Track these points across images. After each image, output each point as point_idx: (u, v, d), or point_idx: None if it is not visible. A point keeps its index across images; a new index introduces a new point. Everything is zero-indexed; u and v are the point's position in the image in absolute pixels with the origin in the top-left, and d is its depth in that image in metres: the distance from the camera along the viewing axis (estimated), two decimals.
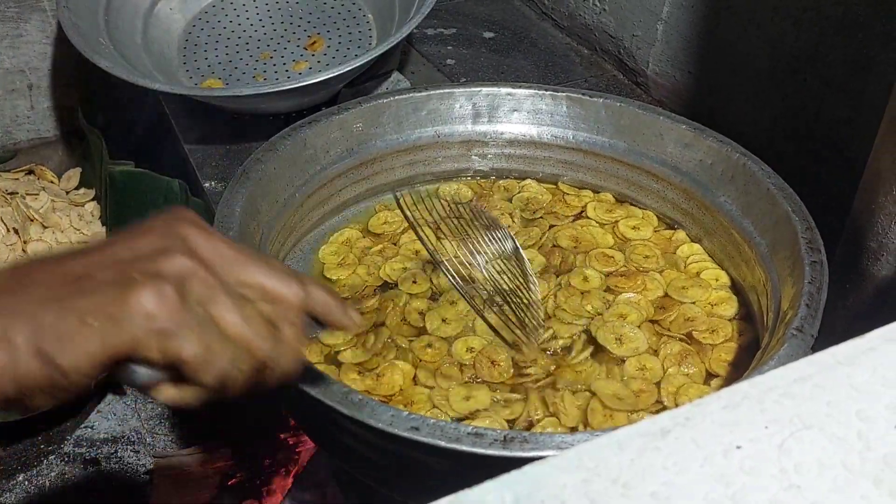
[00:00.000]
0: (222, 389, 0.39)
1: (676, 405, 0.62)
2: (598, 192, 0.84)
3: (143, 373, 0.37)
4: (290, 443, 0.80)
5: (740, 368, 0.65)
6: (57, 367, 0.34)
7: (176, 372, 0.38)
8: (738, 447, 0.34)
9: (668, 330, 0.69)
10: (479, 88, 0.84)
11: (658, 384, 0.64)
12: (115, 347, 0.35)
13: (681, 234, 0.79)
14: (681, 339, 0.68)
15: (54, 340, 0.34)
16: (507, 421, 0.61)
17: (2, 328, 0.34)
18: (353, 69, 0.93)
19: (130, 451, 0.99)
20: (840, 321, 0.67)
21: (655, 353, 0.67)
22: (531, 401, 0.62)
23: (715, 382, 0.65)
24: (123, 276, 0.36)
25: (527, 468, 0.34)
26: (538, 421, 0.61)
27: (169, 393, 0.39)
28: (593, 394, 0.63)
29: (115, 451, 1.00)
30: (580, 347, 0.67)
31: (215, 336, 0.37)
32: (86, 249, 0.38)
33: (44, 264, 0.37)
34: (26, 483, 0.98)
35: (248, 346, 0.38)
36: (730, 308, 0.71)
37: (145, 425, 1.02)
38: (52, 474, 0.98)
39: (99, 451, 1.01)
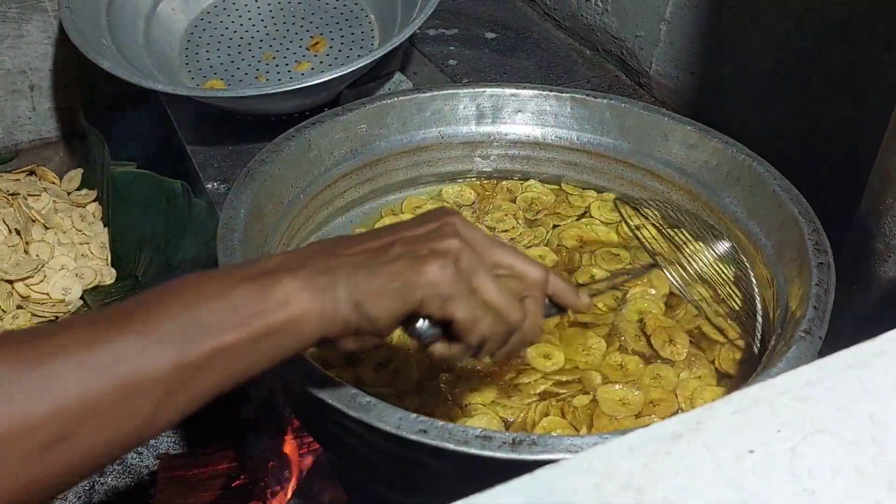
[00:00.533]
0: (480, 348, 0.47)
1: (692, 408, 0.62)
2: (602, 193, 0.84)
3: (425, 328, 0.46)
4: (295, 444, 0.80)
5: (748, 367, 0.65)
6: (367, 315, 0.43)
7: (447, 330, 0.46)
8: (751, 451, 0.34)
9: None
10: (482, 89, 0.84)
11: (675, 391, 0.64)
12: (409, 304, 0.44)
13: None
14: (689, 339, 0.68)
15: (366, 295, 0.43)
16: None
17: (330, 281, 0.43)
18: (355, 70, 0.93)
19: (134, 452, 0.99)
20: (847, 323, 0.67)
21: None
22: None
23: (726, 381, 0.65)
24: (413, 251, 0.45)
25: (538, 472, 0.34)
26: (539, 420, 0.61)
27: (441, 348, 0.47)
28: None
29: None
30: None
31: (479, 303, 0.46)
32: (379, 230, 0.48)
33: (350, 240, 0.47)
34: None
35: (502, 313, 0.46)
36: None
37: None
38: None
39: None
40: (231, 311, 0.40)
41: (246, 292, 0.41)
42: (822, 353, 0.56)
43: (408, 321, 0.46)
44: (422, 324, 0.46)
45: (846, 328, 0.67)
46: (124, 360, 0.38)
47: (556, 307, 0.52)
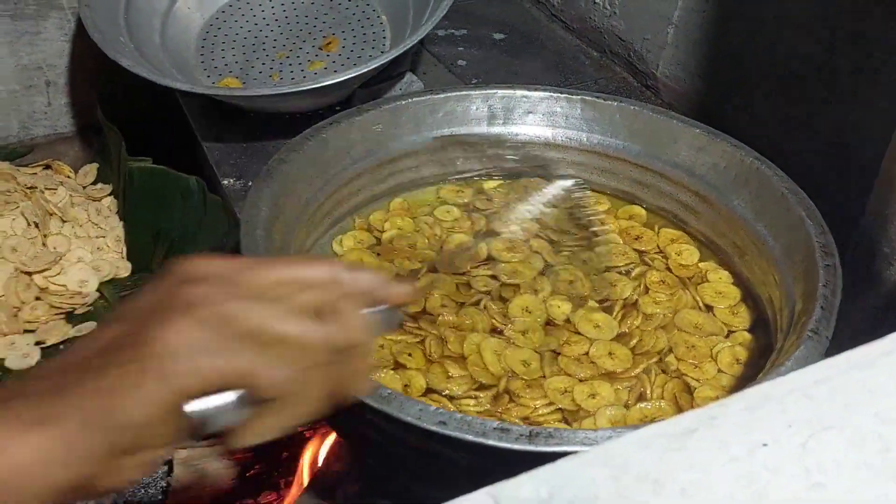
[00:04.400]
0: (309, 397, 0.37)
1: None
2: (610, 194, 0.86)
3: (216, 416, 0.34)
4: (310, 435, 0.81)
5: (752, 369, 0.67)
6: (117, 428, 0.32)
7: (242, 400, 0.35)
8: (764, 445, 0.35)
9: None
10: (494, 90, 0.85)
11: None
12: (175, 387, 0.33)
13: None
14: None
15: (107, 401, 0.32)
16: None
17: (53, 406, 0.32)
18: (370, 70, 0.94)
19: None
20: (852, 325, 0.68)
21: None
22: None
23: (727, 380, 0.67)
24: (151, 321, 0.34)
25: (559, 463, 0.35)
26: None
27: (260, 430, 0.36)
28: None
29: None
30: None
31: (268, 346, 0.35)
32: (105, 321, 0.37)
33: (73, 347, 0.36)
34: None
35: (301, 340, 0.36)
36: (744, 313, 0.73)
37: None
38: None
39: None
40: None
41: None
42: (827, 354, 0.58)
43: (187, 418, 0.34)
44: (192, 405, 0.33)
45: (850, 329, 0.69)
46: None
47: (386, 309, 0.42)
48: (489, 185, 0.87)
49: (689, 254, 0.79)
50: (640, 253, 0.80)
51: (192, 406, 0.34)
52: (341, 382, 0.38)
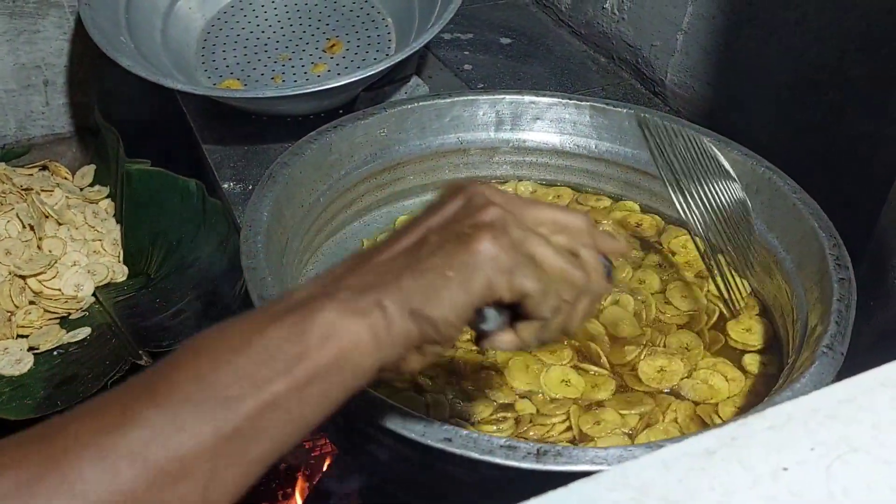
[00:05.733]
0: (557, 323, 0.42)
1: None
2: (620, 201, 0.84)
3: (492, 318, 0.41)
4: (308, 447, 0.80)
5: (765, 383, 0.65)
6: (429, 320, 0.38)
7: (514, 313, 0.42)
8: (785, 469, 0.34)
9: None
10: (502, 96, 0.84)
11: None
12: (474, 291, 0.39)
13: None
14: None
15: (422, 297, 0.38)
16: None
17: (375, 299, 0.37)
18: (375, 73, 0.93)
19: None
20: (865, 338, 0.67)
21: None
22: None
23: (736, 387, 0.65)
24: (456, 233, 0.40)
25: (573, 486, 0.34)
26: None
27: (510, 339, 0.43)
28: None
29: None
30: None
31: (540, 270, 0.41)
32: (403, 229, 0.42)
33: (376, 250, 0.41)
34: None
35: (566, 275, 0.42)
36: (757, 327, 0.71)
37: None
38: None
39: None
40: (267, 359, 0.35)
41: (279, 334, 0.35)
42: (840, 368, 0.56)
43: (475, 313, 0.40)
44: (489, 311, 0.41)
45: (864, 343, 0.67)
46: (154, 442, 0.32)
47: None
48: None
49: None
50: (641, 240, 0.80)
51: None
52: (573, 320, 0.43)
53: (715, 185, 0.70)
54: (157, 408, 0.33)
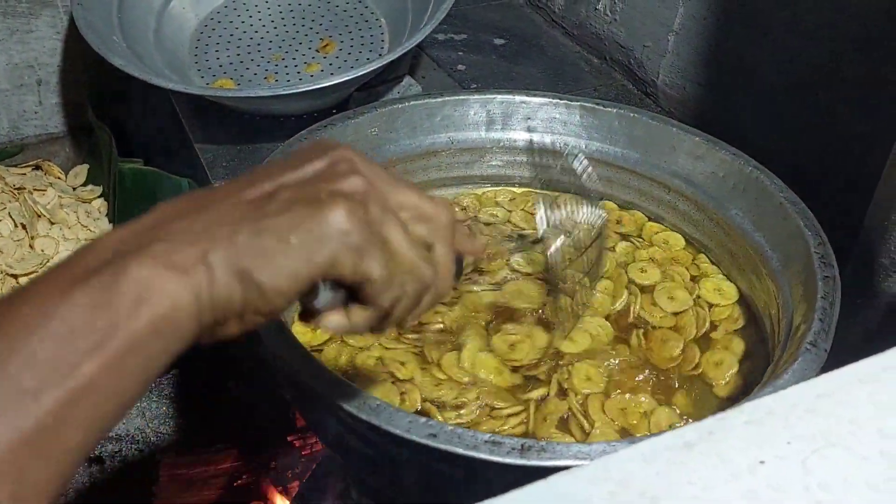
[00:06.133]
0: (391, 314, 0.39)
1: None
2: (606, 201, 0.85)
3: (324, 296, 0.38)
4: (298, 445, 0.80)
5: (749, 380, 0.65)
6: (258, 285, 0.34)
7: (349, 295, 0.38)
8: (763, 462, 0.34)
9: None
10: (493, 96, 0.84)
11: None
12: (314, 264, 0.35)
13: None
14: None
15: (255, 259, 0.34)
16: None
17: (201, 252, 0.33)
18: (367, 73, 0.93)
19: (135, 450, 0.99)
20: (851, 337, 0.67)
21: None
22: None
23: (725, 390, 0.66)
24: (310, 196, 0.36)
25: (552, 478, 0.34)
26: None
27: (338, 319, 0.39)
28: None
29: (120, 451, 1.00)
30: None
31: (390, 257, 0.37)
32: (253, 174, 0.37)
33: (218, 190, 0.36)
34: None
35: (414, 268, 0.39)
36: (739, 321, 0.72)
37: (150, 425, 1.02)
38: None
39: (104, 449, 1.00)
40: (70, 336, 0.30)
41: (83, 301, 0.30)
42: (826, 366, 0.56)
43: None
44: (323, 288, 0.37)
45: (850, 342, 0.68)
46: None
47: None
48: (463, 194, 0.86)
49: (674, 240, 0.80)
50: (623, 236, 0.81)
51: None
52: (412, 313, 0.41)
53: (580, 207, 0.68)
54: None
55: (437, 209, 0.40)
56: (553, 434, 0.61)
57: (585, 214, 0.67)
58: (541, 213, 0.66)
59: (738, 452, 0.35)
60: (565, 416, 0.62)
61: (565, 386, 0.64)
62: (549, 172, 0.75)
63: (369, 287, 0.37)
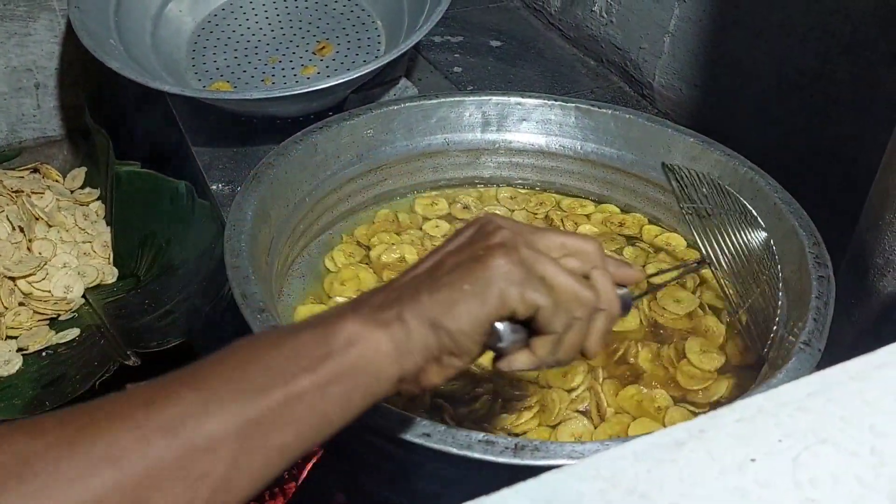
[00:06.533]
0: (571, 340, 0.44)
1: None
2: (604, 203, 0.85)
3: (507, 335, 0.42)
4: None
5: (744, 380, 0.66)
6: (447, 330, 0.40)
7: (528, 332, 0.43)
8: (753, 460, 0.34)
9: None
10: (488, 97, 0.84)
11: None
12: (489, 304, 0.41)
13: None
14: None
15: (440, 309, 0.40)
16: None
17: (396, 312, 0.40)
18: (363, 75, 0.94)
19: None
20: (845, 337, 0.67)
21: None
22: None
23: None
24: (471, 254, 0.42)
25: (543, 476, 0.34)
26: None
27: (526, 358, 0.44)
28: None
29: None
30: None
31: (551, 288, 0.42)
32: (421, 258, 0.45)
33: (394, 278, 0.44)
34: None
35: (576, 293, 0.43)
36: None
37: None
38: None
39: None
40: (295, 357, 0.38)
41: (309, 337, 0.39)
42: (820, 366, 0.57)
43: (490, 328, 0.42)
44: (503, 326, 0.42)
45: (844, 341, 0.68)
46: (187, 419, 0.35)
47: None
48: (465, 194, 0.86)
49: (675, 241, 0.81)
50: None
51: (497, 324, 0.42)
52: (590, 339, 0.45)
53: (740, 230, 0.71)
54: (193, 391, 0.36)
55: (582, 243, 0.45)
56: (569, 416, 0.61)
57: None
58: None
59: (728, 450, 0.35)
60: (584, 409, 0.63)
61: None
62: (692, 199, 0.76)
63: (540, 315, 0.42)
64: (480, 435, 0.48)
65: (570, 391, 0.64)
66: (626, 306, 0.47)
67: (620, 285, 0.47)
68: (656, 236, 0.81)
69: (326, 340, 0.39)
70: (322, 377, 0.38)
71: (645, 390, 0.64)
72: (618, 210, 0.84)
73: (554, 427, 0.61)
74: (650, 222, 0.83)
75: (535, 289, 0.42)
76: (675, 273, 0.69)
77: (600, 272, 0.45)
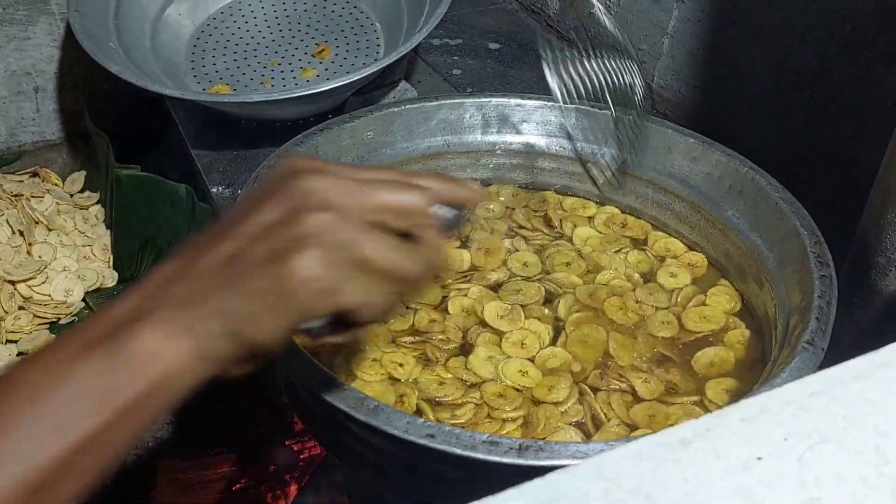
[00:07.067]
0: (387, 310, 0.41)
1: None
2: (602, 205, 0.85)
3: (315, 325, 0.40)
4: (296, 449, 0.80)
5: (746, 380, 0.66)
6: (246, 342, 0.37)
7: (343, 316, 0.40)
8: (758, 459, 0.34)
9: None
10: (488, 99, 0.84)
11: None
12: (294, 316, 0.38)
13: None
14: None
15: (241, 322, 0.37)
16: None
17: (195, 317, 0.36)
18: (362, 77, 0.94)
19: (133, 454, 0.99)
20: (847, 336, 0.67)
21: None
22: None
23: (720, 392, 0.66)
24: (276, 249, 0.37)
25: (548, 476, 0.34)
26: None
27: (338, 336, 0.42)
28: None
29: None
30: None
31: (372, 275, 0.39)
32: (224, 228, 0.39)
33: (196, 252, 0.39)
34: None
35: (401, 271, 0.40)
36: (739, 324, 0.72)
37: None
38: None
39: None
40: (74, 400, 0.34)
41: (90, 368, 0.34)
42: (822, 365, 0.57)
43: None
44: (311, 322, 0.40)
45: (846, 341, 0.68)
46: None
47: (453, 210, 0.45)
48: None
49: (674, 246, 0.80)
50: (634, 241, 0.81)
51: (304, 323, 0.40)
52: (405, 300, 0.45)
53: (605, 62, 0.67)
54: None
55: (406, 198, 0.41)
56: (559, 427, 0.61)
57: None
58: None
59: (733, 449, 0.35)
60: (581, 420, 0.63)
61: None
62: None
63: (353, 315, 0.39)
64: (485, 436, 0.48)
65: (556, 404, 0.63)
66: (453, 224, 0.44)
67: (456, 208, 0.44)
68: (655, 242, 0.81)
69: (113, 369, 0.35)
70: (110, 416, 0.34)
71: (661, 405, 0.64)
72: (618, 212, 0.84)
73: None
74: (654, 228, 0.82)
75: (348, 291, 0.38)
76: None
77: (426, 230, 0.42)
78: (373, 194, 0.40)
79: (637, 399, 0.64)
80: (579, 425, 0.62)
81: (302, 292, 0.37)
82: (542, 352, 0.68)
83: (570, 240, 0.80)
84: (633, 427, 0.62)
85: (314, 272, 0.37)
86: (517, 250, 0.79)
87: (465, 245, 0.79)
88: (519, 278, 0.76)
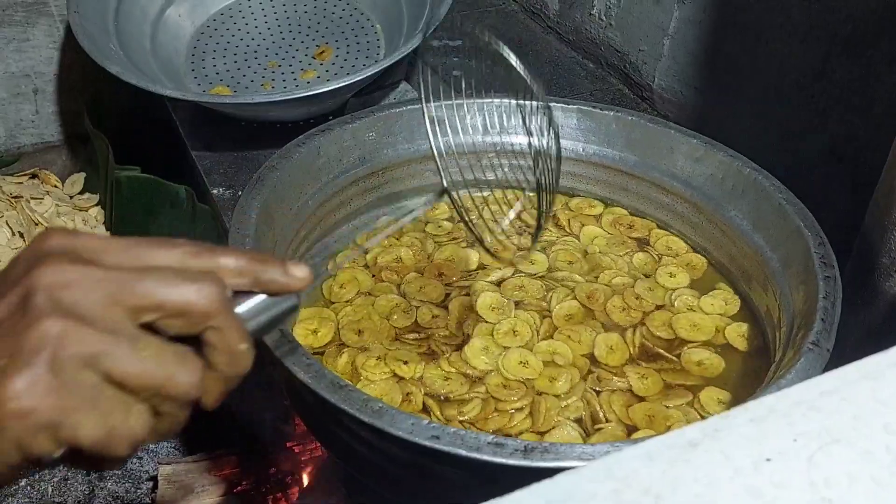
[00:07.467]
0: (160, 430, 0.34)
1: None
2: (609, 205, 0.85)
3: (51, 456, 0.32)
4: (298, 451, 0.79)
5: (751, 382, 0.65)
6: None
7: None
8: (768, 460, 0.34)
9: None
10: (490, 100, 0.84)
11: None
12: (6, 459, 0.30)
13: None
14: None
15: None
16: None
17: None
18: (363, 79, 0.93)
19: (134, 456, 0.99)
20: (851, 337, 0.67)
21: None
22: None
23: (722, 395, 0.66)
24: None
25: (558, 477, 0.34)
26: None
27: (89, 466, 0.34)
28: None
29: None
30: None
31: (117, 399, 0.31)
32: None
33: None
34: (28, 488, 0.97)
35: (171, 387, 0.32)
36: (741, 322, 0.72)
37: None
38: (55, 480, 0.98)
39: None
40: None
41: None
42: (827, 366, 0.56)
43: None
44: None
45: (851, 341, 0.68)
46: None
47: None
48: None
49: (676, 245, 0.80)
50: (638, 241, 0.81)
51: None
52: (182, 417, 0.34)
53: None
54: None
55: (185, 293, 0.33)
56: (559, 422, 0.61)
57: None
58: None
59: (742, 450, 0.34)
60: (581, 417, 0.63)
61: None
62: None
63: (89, 451, 0.31)
64: (490, 437, 0.48)
65: (557, 396, 0.63)
66: (266, 325, 0.37)
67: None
68: (658, 239, 0.81)
69: None
70: None
71: (662, 405, 0.63)
72: (626, 213, 0.84)
73: (542, 434, 0.61)
74: (659, 227, 0.82)
75: (82, 425, 0.30)
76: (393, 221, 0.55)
77: (217, 331, 0.33)
78: (138, 289, 0.32)
79: (634, 397, 0.64)
80: (578, 422, 0.62)
81: (10, 431, 0.29)
82: (541, 344, 0.68)
83: (578, 238, 0.81)
84: (632, 428, 0.61)
85: (28, 403, 0.29)
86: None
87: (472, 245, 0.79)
88: (524, 276, 0.76)
